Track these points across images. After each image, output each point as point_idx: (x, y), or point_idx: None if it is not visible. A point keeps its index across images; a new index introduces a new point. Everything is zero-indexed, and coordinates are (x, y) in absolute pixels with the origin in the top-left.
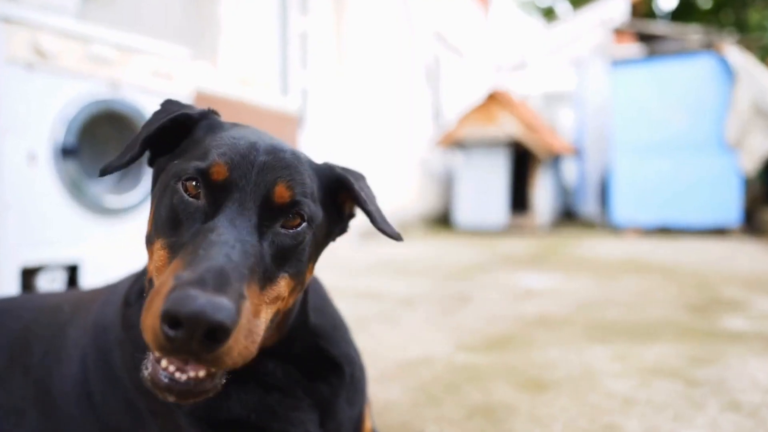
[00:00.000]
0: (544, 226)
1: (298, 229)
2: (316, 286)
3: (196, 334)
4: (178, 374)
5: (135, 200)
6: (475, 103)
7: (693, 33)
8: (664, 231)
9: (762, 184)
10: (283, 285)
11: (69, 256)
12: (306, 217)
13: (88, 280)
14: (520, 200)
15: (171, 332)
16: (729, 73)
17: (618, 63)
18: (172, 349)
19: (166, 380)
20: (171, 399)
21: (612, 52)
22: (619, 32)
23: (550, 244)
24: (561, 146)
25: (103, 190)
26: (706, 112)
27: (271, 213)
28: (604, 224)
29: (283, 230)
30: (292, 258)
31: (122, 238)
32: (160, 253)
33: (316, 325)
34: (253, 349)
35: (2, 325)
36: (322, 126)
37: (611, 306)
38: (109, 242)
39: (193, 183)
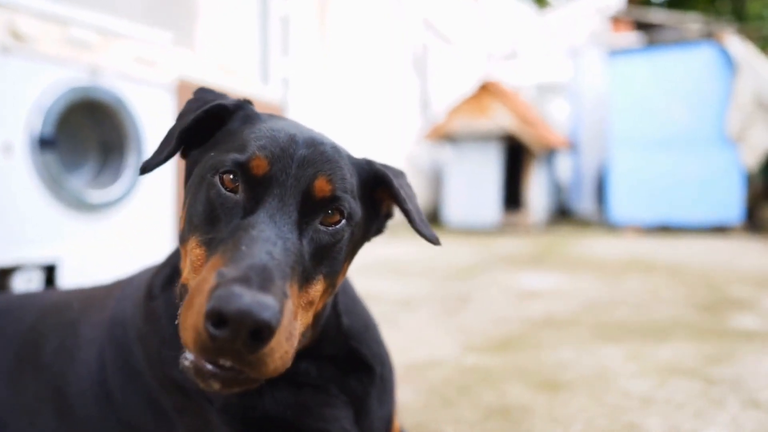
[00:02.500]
0: (539, 224)
1: (338, 226)
2: (345, 285)
3: (241, 334)
4: (223, 360)
5: (117, 195)
6: (466, 93)
7: (692, 22)
8: (664, 229)
9: (764, 180)
10: (318, 287)
11: (46, 256)
12: (346, 214)
13: (67, 281)
14: (513, 197)
15: (215, 331)
16: (730, 64)
17: (615, 53)
18: (214, 348)
19: (211, 367)
20: (216, 387)
21: (609, 41)
22: (616, 20)
23: (546, 243)
24: (556, 140)
25: (83, 184)
26: (706, 105)
27: (311, 208)
28: (602, 222)
29: (322, 227)
30: (329, 257)
31: (104, 236)
32: (197, 251)
33: (348, 327)
34: (291, 353)
35: (5, 326)
36: (304, 117)
37: (618, 306)
38: (89, 240)
39: (231, 176)
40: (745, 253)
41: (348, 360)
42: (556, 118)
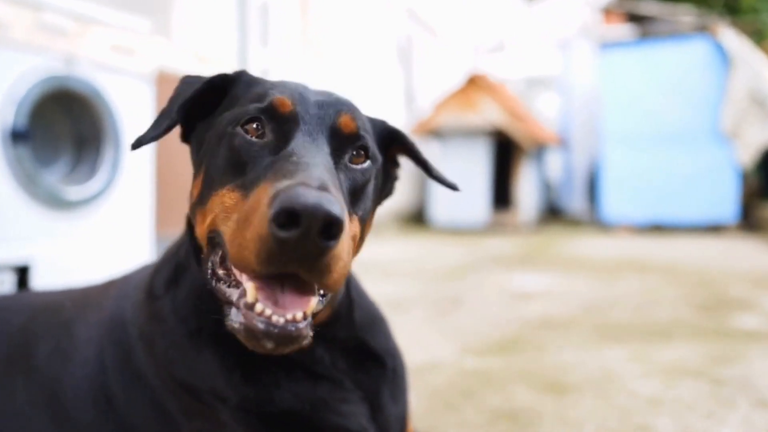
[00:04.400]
0: (529, 223)
1: (365, 165)
2: (353, 279)
3: (313, 229)
4: (275, 318)
5: (94, 191)
6: (453, 87)
7: (684, 14)
8: (657, 228)
9: (759, 177)
10: (355, 225)
11: (19, 256)
12: (370, 154)
13: (41, 283)
14: (502, 195)
15: (285, 233)
16: (724, 58)
17: (607, 45)
18: (281, 254)
19: (262, 326)
20: (269, 346)
21: (600, 34)
22: (607, 12)
23: (537, 242)
24: (546, 136)
25: (57, 180)
26: (700, 100)
27: (339, 144)
28: (593, 221)
29: (351, 165)
30: (362, 197)
31: (80, 235)
32: (230, 196)
33: (358, 319)
34: (346, 273)
35: None
36: None
37: (617, 307)
38: (65, 240)
39: (254, 125)
40: (741, 252)
41: (358, 352)
42: (544, 113)
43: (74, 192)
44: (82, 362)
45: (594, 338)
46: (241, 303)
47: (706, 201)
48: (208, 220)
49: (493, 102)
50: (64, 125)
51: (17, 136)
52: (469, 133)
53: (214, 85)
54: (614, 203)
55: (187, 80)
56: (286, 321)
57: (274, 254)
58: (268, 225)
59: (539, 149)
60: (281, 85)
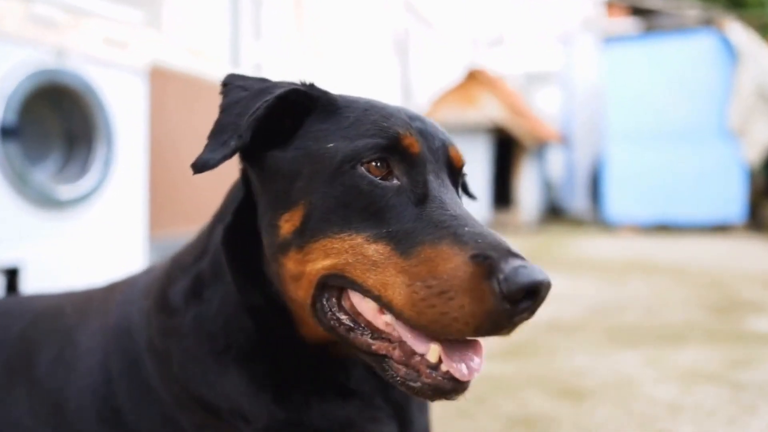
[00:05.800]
0: (530, 223)
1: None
2: None
3: (543, 299)
4: (462, 374)
5: (86, 190)
6: (451, 82)
7: (689, 7)
8: (662, 228)
9: (766, 176)
10: None
11: (8, 258)
12: (463, 183)
13: (31, 286)
14: (502, 194)
15: (522, 306)
16: (731, 53)
17: (610, 40)
18: (507, 324)
19: (450, 385)
20: (454, 398)
21: (603, 28)
22: (610, 5)
23: (540, 243)
24: (548, 133)
25: (47, 178)
26: (706, 96)
27: (454, 180)
28: (596, 221)
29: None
30: None
31: (72, 236)
32: (373, 247)
33: None
34: None
35: None
36: None
37: (626, 309)
38: (56, 241)
39: (376, 164)
40: (750, 252)
41: None
42: (544, 109)
43: (65, 191)
44: (86, 371)
45: (606, 342)
46: (417, 362)
47: (713, 200)
48: (324, 263)
49: (493, 98)
50: (55, 121)
51: (6, 133)
52: (468, 130)
53: (287, 101)
54: (618, 202)
55: (239, 84)
56: (472, 372)
57: (499, 325)
58: (499, 301)
59: (540, 147)
60: (386, 113)
